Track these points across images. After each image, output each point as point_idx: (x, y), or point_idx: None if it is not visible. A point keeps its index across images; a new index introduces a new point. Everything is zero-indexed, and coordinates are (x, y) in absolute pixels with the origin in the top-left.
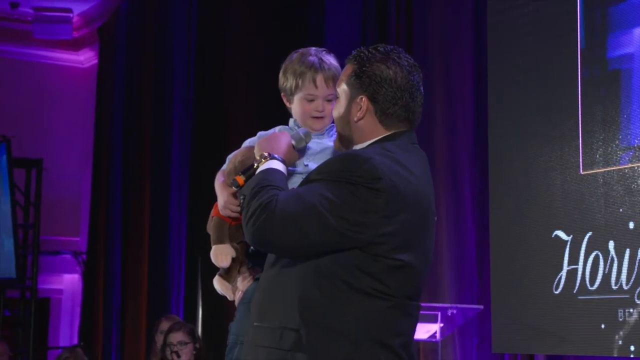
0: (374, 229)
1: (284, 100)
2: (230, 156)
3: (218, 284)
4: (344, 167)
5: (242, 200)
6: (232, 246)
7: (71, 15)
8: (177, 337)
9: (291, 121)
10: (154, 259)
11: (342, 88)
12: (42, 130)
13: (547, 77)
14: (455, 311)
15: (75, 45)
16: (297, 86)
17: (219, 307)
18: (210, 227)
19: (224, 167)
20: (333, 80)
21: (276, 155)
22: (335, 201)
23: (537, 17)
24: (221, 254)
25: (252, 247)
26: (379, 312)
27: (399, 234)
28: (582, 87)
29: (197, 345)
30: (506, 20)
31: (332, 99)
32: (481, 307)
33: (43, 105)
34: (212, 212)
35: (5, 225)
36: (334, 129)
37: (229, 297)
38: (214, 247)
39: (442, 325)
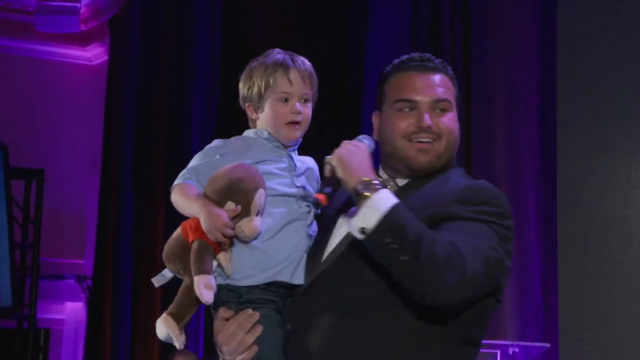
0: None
1: (249, 112)
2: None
3: (165, 325)
4: (493, 205)
5: (389, 244)
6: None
7: (78, 5)
8: None
9: (251, 132)
10: (169, 287)
11: (453, 98)
12: (44, 137)
13: (624, 82)
14: (517, 349)
15: (82, 39)
16: (267, 86)
17: None
18: (190, 253)
19: (191, 182)
20: (309, 78)
21: (380, 183)
22: (497, 250)
23: (612, 20)
24: (207, 287)
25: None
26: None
27: None
28: None
29: None
30: (578, 17)
31: (309, 99)
32: (547, 345)
33: (45, 108)
34: (190, 234)
35: (1, 245)
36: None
37: (178, 342)
38: (198, 278)
39: None
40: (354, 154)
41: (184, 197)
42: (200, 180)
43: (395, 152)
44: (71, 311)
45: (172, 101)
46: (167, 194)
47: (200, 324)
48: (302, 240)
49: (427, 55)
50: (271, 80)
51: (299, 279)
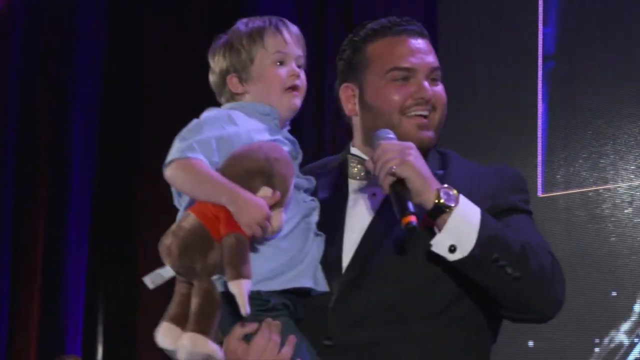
0: None
1: (232, 85)
2: (239, 154)
3: (198, 345)
4: (527, 192)
5: (497, 261)
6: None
7: None
8: None
9: (246, 105)
10: (47, 289)
11: None
12: None
13: (503, 85)
14: None
15: None
16: (258, 48)
17: (122, 347)
18: (224, 250)
19: (199, 157)
20: (302, 41)
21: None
22: None
23: (494, 22)
24: (248, 292)
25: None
26: None
27: None
28: (543, 97)
29: None
30: (459, 20)
31: (302, 65)
32: None
33: None
34: (222, 227)
35: None
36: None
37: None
38: (240, 283)
39: None
40: (419, 159)
41: (198, 175)
42: (211, 156)
43: (391, 129)
44: None
45: (54, 103)
46: (49, 195)
47: (78, 329)
48: (314, 238)
49: (407, 17)
50: (264, 41)
51: (322, 285)
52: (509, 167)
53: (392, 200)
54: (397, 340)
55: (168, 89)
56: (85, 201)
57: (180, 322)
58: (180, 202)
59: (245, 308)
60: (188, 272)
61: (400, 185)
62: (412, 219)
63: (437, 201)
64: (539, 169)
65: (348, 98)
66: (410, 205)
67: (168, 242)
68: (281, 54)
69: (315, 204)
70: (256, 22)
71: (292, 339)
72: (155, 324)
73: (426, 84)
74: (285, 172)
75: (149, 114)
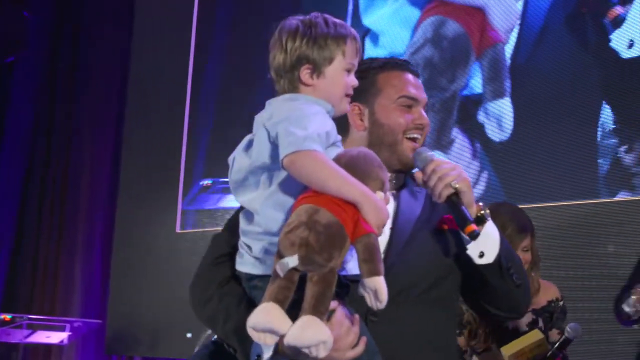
0: None
1: (304, 75)
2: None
3: (316, 328)
4: None
5: (510, 270)
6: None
7: None
8: None
9: (311, 100)
10: None
11: None
12: None
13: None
14: (80, 324)
15: None
16: (339, 53)
17: None
18: (363, 248)
19: (322, 151)
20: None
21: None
22: None
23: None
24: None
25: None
26: None
27: None
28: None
29: None
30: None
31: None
32: (100, 321)
33: None
34: (362, 226)
35: None
36: None
37: (327, 346)
38: (380, 279)
39: (70, 333)
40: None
41: (328, 169)
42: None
43: (393, 145)
44: None
45: None
46: None
47: None
48: None
49: (407, 59)
50: (345, 48)
51: None
52: None
53: (450, 208)
54: (425, 319)
55: None
56: None
57: (283, 304)
58: (240, 190)
59: (384, 303)
60: (318, 266)
61: (455, 196)
62: (475, 227)
63: (479, 214)
64: (179, 204)
65: (356, 115)
66: (469, 215)
67: (304, 234)
68: (352, 65)
69: None
70: (339, 26)
71: (357, 317)
72: None
73: (424, 113)
74: (388, 182)
75: None
